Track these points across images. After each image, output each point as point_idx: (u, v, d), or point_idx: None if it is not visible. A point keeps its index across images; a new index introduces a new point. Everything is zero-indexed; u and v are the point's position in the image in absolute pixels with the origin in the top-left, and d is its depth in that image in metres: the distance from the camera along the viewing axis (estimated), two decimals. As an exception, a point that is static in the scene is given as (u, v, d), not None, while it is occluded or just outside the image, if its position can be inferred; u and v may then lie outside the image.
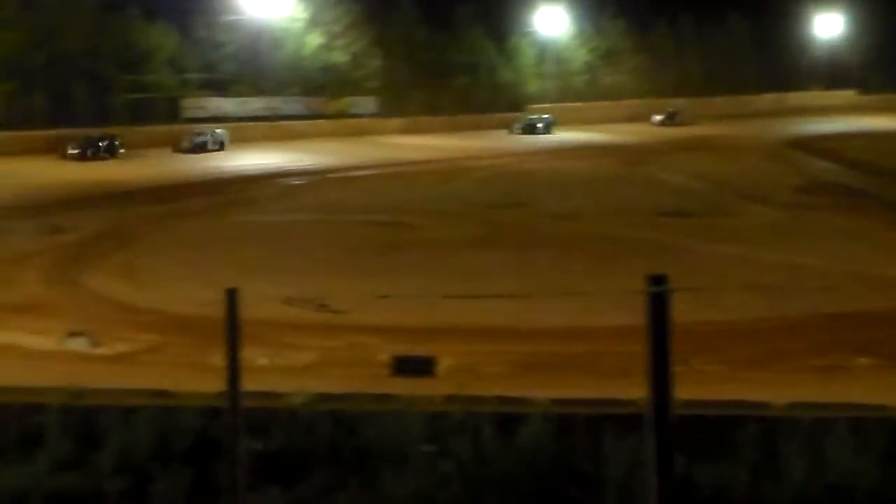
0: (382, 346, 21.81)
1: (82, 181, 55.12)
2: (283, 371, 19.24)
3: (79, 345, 22.90)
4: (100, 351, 22.65)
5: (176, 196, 51.28)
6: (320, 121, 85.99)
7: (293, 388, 9.35)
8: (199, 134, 73.50)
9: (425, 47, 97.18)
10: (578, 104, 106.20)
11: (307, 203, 51.03)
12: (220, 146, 74.34)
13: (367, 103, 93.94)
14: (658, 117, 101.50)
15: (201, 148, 72.52)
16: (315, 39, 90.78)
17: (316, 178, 62.69)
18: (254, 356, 18.50)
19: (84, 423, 8.39)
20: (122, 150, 67.67)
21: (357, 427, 8.50)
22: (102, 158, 65.62)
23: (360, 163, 70.15)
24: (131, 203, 48.85)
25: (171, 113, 79.66)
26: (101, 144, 66.92)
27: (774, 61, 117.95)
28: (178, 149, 71.00)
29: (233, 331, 6.39)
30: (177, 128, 76.45)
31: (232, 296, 6.37)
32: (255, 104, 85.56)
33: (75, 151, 65.34)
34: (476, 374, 19.34)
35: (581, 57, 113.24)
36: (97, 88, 72.81)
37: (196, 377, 11.07)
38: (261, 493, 7.44)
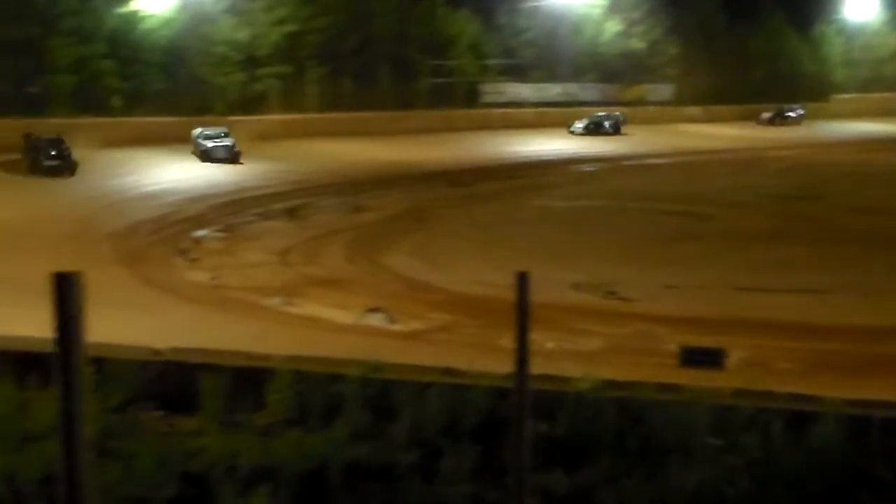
0: (670, 336, 21.59)
1: (384, 161, 56.93)
2: (570, 356, 19.33)
3: (376, 320, 23.72)
4: (395, 327, 23.38)
5: (472, 179, 52.21)
6: (616, 107, 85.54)
7: (580, 373, 9.41)
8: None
9: (724, 35, 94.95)
10: (887, 94, 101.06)
11: (599, 190, 50.97)
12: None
13: (663, 91, 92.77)
14: None
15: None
16: (613, 26, 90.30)
17: (609, 165, 62.53)
18: (542, 340, 18.73)
19: (380, 395, 8.73)
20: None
21: (643, 416, 8.50)
22: None
23: (654, 151, 69.47)
24: (429, 185, 50.07)
25: (470, 97, 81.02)
26: None
27: None
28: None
29: (522, 314, 6.50)
30: (473, 112, 77.91)
31: (523, 279, 6.47)
32: (552, 90, 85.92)
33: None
34: (767, 370, 18.85)
35: (892, 43, 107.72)
36: (402, 73, 74.84)
37: (485, 357, 11.26)
38: (545, 476, 7.55)
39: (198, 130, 54.67)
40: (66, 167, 46.18)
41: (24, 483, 7.31)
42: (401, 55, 75.86)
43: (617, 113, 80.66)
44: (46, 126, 49.99)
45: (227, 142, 53.77)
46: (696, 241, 35.18)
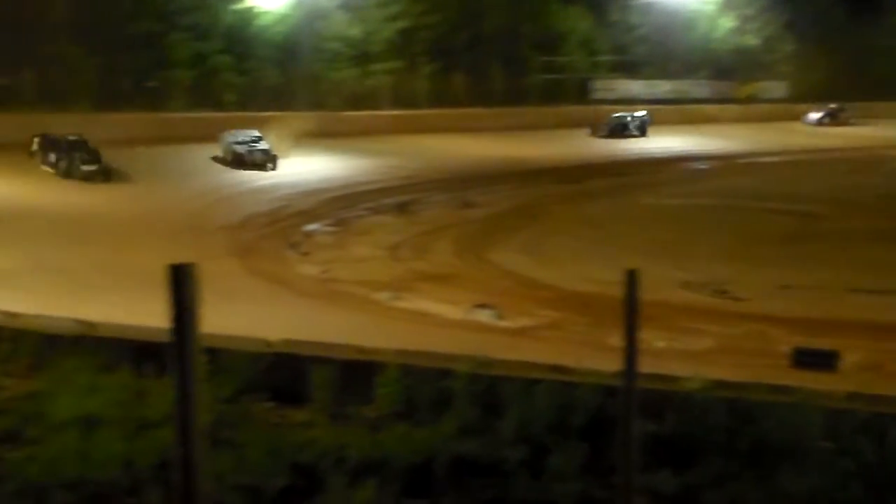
0: (782, 337, 21.26)
1: (493, 158, 56.97)
2: (679, 355, 19.15)
3: (484, 316, 23.76)
4: (503, 323, 23.38)
5: (582, 176, 51.96)
6: (728, 105, 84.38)
7: (689, 372, 9.33)
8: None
9: (842, 30, 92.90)
10: None
11: (711, 188, 50.37)
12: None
13: (777, 88, 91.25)
14: None
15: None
16: (727, 22, 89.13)
17: (722, 163, 61.75)
18: (651, 338, 18.56)
19: (488, 391, 8.76)
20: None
21: (753, 417, 8.39)
22: None
23: (768, 149, 68.41)
24: (538, 181, 49.97)
25: (581, 94, 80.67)
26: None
27: None
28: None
29: (631, 312, 6.47)
30: (583, 108, 77.57)
31: (632, 277, 6.45)
32: (662, 87, 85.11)
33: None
34: (881, 373, 18.45)
35: None
36: (512, 69, 74.77)
37: (593, 355, 11.24)
38: (652, 475, 7.50)
39: (229, 134, 49.95)
40: (101, 172, 42.85)
41: (140, 469, 7.49)
42: (512, 51, 75.77)
43: (643, 112, 73.27)
44: (161, 120, 51.18)
45: (263, 146, 49.45)
46: (809, 241, 34.54)
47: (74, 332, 10.54)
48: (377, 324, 22.00)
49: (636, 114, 72.71)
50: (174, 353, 5.70)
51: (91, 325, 11.11)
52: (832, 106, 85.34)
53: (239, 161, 48.33)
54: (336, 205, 42.14)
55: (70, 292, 22.15)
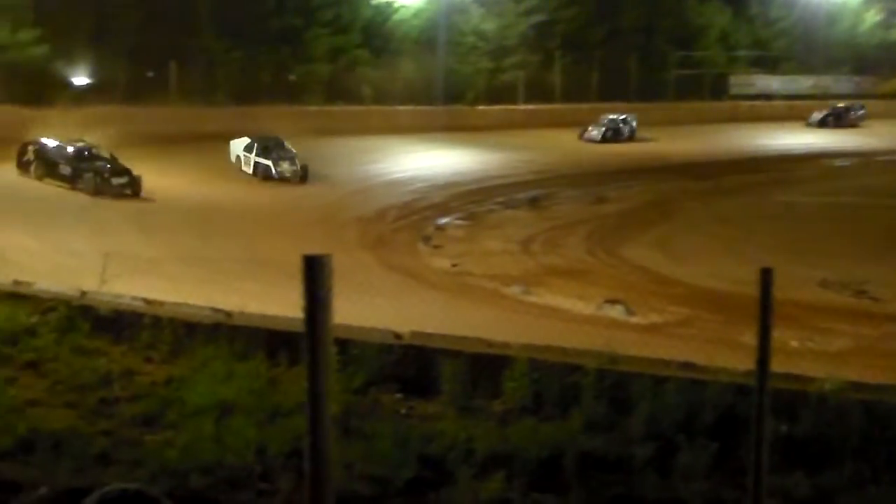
0: (924, 340, 20.69)
1: (628, 153, 56.57)
2: (814, 355, 18.77)
3: (615, 312, 23.62)
4: (633, 320, 23.22)
5: (717, 172, 51.20)
6: (871, 100, 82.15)
7: (824, 373, 9.14)
8: None
9: None
10: None
11: (850, 185, 49.09)
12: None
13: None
14: None
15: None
16: (873, 16, 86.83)
17: (862, 161, 60.16)
18: (785, 338, 18.26)
19: (616, 387, 8.72)
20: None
21: (891, 420, 8.19)
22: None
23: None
24: (673, 177, 49.41)
25: (718, 89, 79.49)
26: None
27: None
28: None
29: (765, 311, 6.37)
30: (720, 104, 76.47)
31: (767, 275, 6.35)
32: (803, 82, 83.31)
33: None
34: None
35: None
36: (648, 64, 74.07)
37: (725, 353, 11.08)
38: (783, 477, 7.39)
39: (244, 142, 44.09)
40: (130, 185, 37.23)
41: (273, 456, 7.65)
42: (648, 46, 75.10)
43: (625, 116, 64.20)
44: (299, 113, 52.06)
45: (291, 154, 43.61)
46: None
47: (212, 321, 10.79)
48: (507, 318, 22.02)
49: (628, 117, 64.30)
50: (307, 343, 5.81)
51: (227, 313, 11.37)
52: None
53: (267, 173, 42.50)
54: (468, 198, 42.27)
55: (208, 280, 22.66)
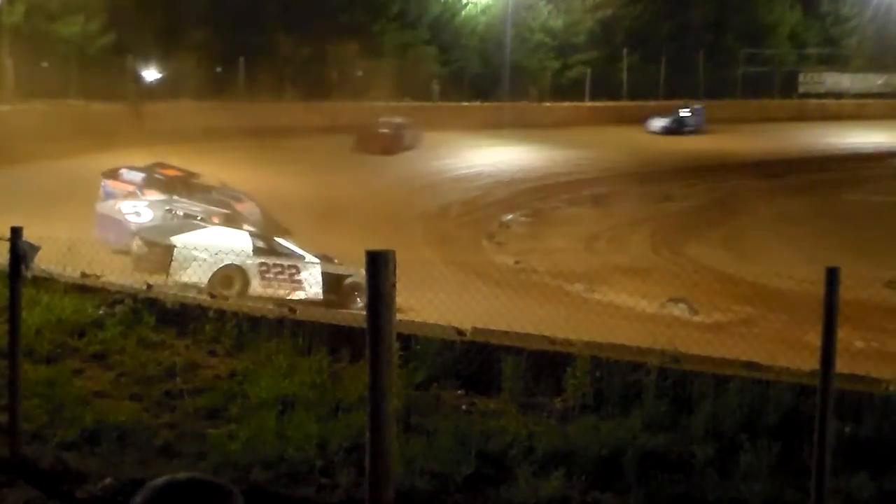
0: None
1: (694, 150, 56.13)
2: (879, 356, 18.55)
3: (678, 310, 23.50)
4: (697, 318, 23.09)
5: (784, 171, 50.69)
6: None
7: (889, 375, 9.04)
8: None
9: None
10: None
11: (921, 185, 48.40)
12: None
13: None
14: None
15: None
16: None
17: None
18: (850, 338, 18.02)
19: (678, 386, 8.68)
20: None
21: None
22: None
23: None
24: (739, 175, 48.98)
25: (787, 87, 78.66)
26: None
27: None
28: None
29: (830, 310, 6.34)
30: (789, 102, 75.64)
31: (833, 275, 6.31)
32: (874, 81, 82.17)
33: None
34: None
35: None
36: (717, 61, 73.51)
37: (788, 353, 11.00)
38: (846, 478, 7.32)
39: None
40: None
41: (334, 451, 7.71)
42: (717, 43, 74.52)
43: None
44: (364, 109, 52.30)
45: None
46: None
47: (275, 315, 10.89)
48: (570, 315, 21.94)
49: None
50: (369, 338, 5.87)
51: (291, 308, 11.45)
52: None
53: None
54: (533, 195, 42.23)
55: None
